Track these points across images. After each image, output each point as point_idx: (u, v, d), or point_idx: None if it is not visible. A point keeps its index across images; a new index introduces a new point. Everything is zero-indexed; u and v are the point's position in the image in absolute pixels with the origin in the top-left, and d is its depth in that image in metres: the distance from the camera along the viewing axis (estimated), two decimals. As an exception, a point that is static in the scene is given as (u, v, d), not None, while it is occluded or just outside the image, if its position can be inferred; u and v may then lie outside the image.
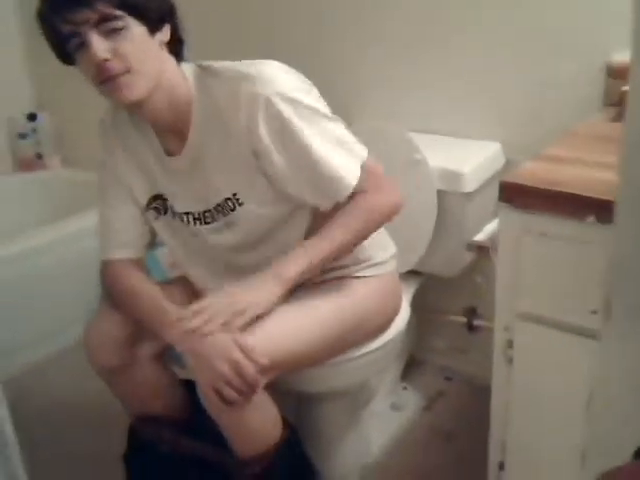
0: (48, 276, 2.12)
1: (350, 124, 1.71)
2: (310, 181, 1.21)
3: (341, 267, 1.34)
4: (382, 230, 1.40)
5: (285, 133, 1.17)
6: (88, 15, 1.10)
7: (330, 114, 1.23)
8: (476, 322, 1.83)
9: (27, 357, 2.05)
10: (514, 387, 1.25)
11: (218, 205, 1.27)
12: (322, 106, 1.22)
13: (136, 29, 1.14)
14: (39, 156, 2.66)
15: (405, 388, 1.92)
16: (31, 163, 2.66)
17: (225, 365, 1.11)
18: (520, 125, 1.64)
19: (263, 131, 1.16)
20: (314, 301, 1.29)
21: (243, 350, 1.12)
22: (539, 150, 1.25)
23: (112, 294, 1.35)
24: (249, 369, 1.11)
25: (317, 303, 1.29)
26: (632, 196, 0.54)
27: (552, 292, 1.13)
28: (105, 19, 1.11)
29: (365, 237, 1.28)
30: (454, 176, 1.57)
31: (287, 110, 1.15)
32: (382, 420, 1.79)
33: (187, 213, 1.31)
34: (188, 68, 1.24)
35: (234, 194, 1.24)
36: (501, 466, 1.32)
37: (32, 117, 2.60)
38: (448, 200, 1.60)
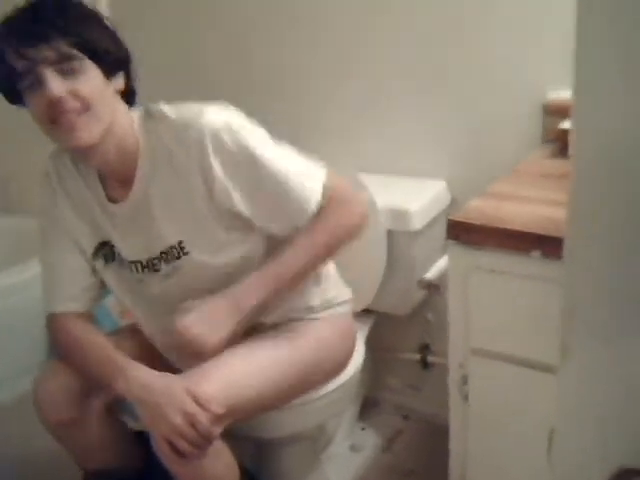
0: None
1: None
2: (273, 209, 1.21)
3: (296, 310, 1.33)
4: (335, 274, 1.41)
5: (240, 164, 1.16)
6: (46, 52, 1.08)
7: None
8: (430, 359, 1.84)
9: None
10: (471, 424, 1.25)
11: (162, 252, 1.24)
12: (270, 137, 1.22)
13: (93, 72, 1.13)
14: (-20, 204, 2.59)
15: (363, 429, 1.91)
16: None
17: (178, 416, 1.08)
18: (463, 163, 1.68)
19: (217, 168, 1.15)
20: (269, 345, 1.28)
21: (196, 400, 1.10)
22: (483, 187, 1.29)
23: (59, 348, 1.31)
24: (203, 421, 1.09)
25: (272, 347, 1.28)
26: (581, 232, 0.56)
27: (504, 327, 1.15)
28: (63, 59, 1.09)
29: (330, 254, 1.27)
30: (402, 215, 1.59)
31: (237, 141, 1.15)
32: (342, 462, 1.77)
33: (135, 262, 1.28)
34: (136, 113, 1.23)
35: (179, 242, 1.22)
36: (461, 504, 1.32)
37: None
38: (397, 239, 1.61)
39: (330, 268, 1.40)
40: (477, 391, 1.22)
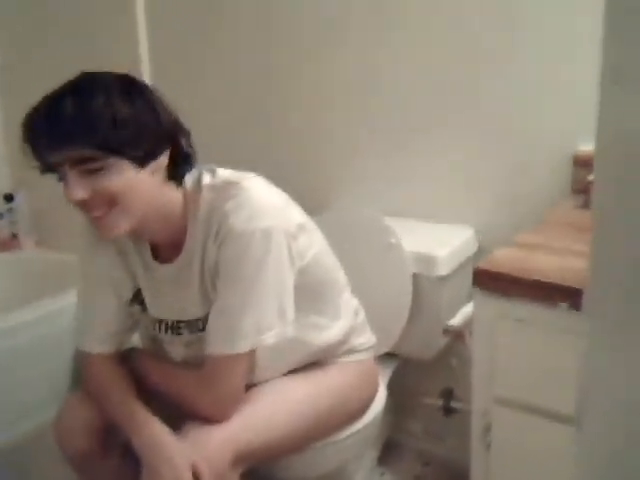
0: (19, 357, 2.07)
1: (325, 209, 1.77)
2: (213, 315, 1.18)
3: (319, 354, 1.33)
4: (363, 319, 1.41)
5: (223, 265, 1.16)
6: (67, 155, 1.07)
7: (287, 263, 1.17)
8: (453, 405, 1.82)
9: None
10: (493, 472, 1.24)
11: (188, 321, 1.26)
12: (284, 251, 1.16)
13: (121, 166, 1.09)
14: (14, 236, 2.65)
15: (383, 474, 1.88)
16: (6, 242, 2.64)
17: None
18: (491, 210, 1.69)
19: (220, 255, 1.16)
20: (290, 388, 1.28)
21: (197, 474, 1.10)
22: (510, 235, 1.29)
23: (85, 384, 1.33)
24: None
25: (293, 390, 1.28)
26: (600, 285, 0.56)
27: (529, 377, 1.14)
28: (85, 160, 1.07)
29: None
30: (429, 260, 1.60)
31: (238, 251, 1.13)
32: (360, 507, 1.75)
33: (160, 320, 1.30)
34: (189, 180, 1.22)
35: (206, 316, 1.21)
36: None
37: (9, 198, 2.61)
38: (423, 283, 1.62)
39: (359, 316, 1.41)
40: (500, 440, 1.21)
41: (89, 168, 1.07)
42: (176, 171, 1.18)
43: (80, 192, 1.08)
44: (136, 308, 1.32)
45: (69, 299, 1.38)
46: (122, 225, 1.13)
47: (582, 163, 1.48)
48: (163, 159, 1.14)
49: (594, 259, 0.56)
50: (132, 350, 1.37)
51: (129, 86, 1.12)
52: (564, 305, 1.05)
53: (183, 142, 1.18)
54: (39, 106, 1.09)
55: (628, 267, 0.54)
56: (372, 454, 1.85)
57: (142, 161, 1.11)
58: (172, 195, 1.19)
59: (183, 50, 2.07)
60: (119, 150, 1.07)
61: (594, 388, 0.57)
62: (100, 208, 1.11)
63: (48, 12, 2.27)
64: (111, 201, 1.10)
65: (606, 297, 0.56)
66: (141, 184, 1.12)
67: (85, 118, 1.05)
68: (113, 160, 1.07)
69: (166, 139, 1.14)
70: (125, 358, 1.33)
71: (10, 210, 2.61)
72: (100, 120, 1.05)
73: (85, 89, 1.08)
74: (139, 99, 1.11)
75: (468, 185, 1.71)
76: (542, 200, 1.56)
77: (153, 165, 1.13)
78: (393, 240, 1.62)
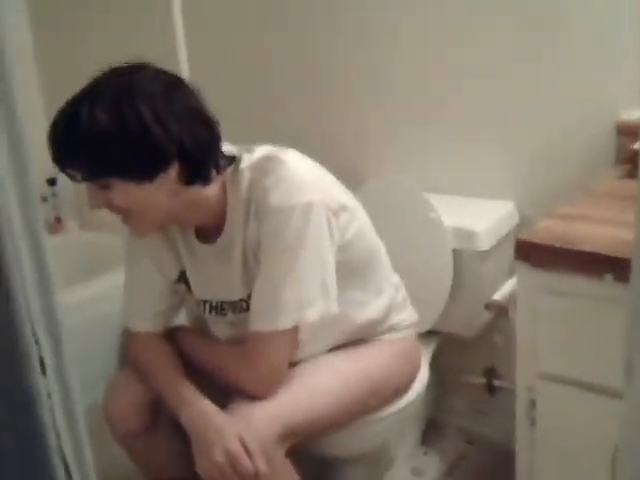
0: (68, 339, 2.12)
1: (365, 180, 1.76)
2: (256, 290, 1.18)
3: (361, 331, 1.33)
4: (404, 295, 1.41)
5: (264, 241, 1.16)
6: (71, 173, 1.13)
7: (327, 239, 1.17)
8: (496, 383, 1.80)
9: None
10: (538, 449, 1.22)
11: (232, 302, 1.27)
12: (324, 226, 1.16)
13: (122, 185, 1.11)
14: (58, 220, 2.70)
15: (426, 453, 1.88)
16: (50, 226, 2.70)
17: (222, 456, 1.10)
18: (532, 183, 1.65)
19: (261, 231, 1.16)
20: (334, 364, 1.28)
21: (244, 446, 1.11)
22: (552, 207, 1.26)
23: (133, 362, 1.35)
24: (246, 467, 1.10)
25: (336, 368, 1.28)
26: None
27: (573, 351, 1.12)
28: (90, 179, 1.12)
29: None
30: (469, 235, 1.57)
31: (277, 227, 1.14)
32: (403, 485, 1.75)
33: (204, 301, 1.31)
34: (229, 167, 1.22)
35: (249, 295, 1.22)
36: (527, 532, 1.28)
37: (52, 182, 2.65)
38: (464, 259, 1.60)
39: (400, 293, 1.40)
40: (545, 415, 1.19)
41: (97, 185, 1.12)
42: (192, 176, 1.15)
43: (96, 203, 1.14)
44: (181, 288, 1.34)
45: (115, 280, 1.40)
46: (146, 226, 1.19)
47: (626, 131, 1.44)
48: (171, 171, 1.12)
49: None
50: (178, 328, 1.38)
51: (130, 98, 1.08)
52: (609, 276, 1.02)
53: (194, 150, 1.12)
54: (55, 118, 1.11)
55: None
56: (415, 432, 1.84)
57: (144, 178, 1.10)
58: (201, 192, 1.18)
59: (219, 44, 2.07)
60: (110, 173, 1.10)
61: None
62: (120, 214, 1.16)
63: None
64: (123, 213, 1.16)
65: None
66: (151, 197, 1.13)
67: (72, 144, 1.09)
68: (116, 180, 1.10)
69: (168, 154, 1.10)
70: (171, 336, 1.35)
71: (54, 194, 2.66)
72: (87, 147, 1.08)
73: (79, 111, 1.07)
74: (135, 117, 1.07)
75: (508, 157, 1.67)
76: (585, 170, 1.52)
77: (162, 177, 1.11)
78: (432, 214, 1.59)
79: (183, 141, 1.10)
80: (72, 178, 1.13)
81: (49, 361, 0.52)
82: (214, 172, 1.17)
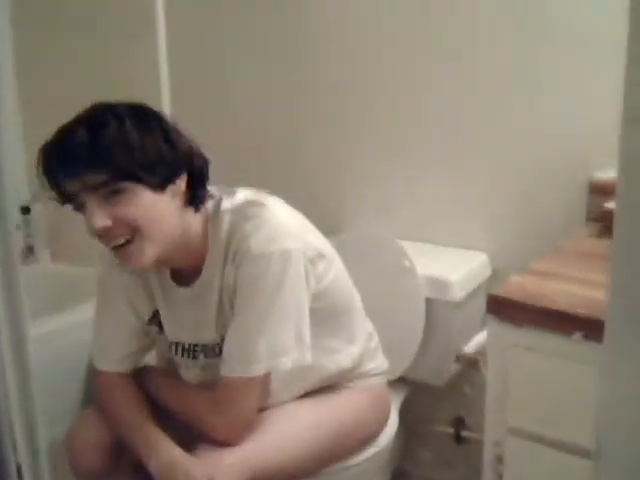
0: (33, 371, 2.08)
1: (340, 231, 1.77)
2: (235, 340, 1.17)
3: (332, 378, 1.32)
4: (376, 343, 1.41)
5: (243, 289, 1.16)
6: (78, 185, 1.08)
7: (304, 287, 1.17)
8: (464, 433, 1.80)
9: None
10: (504, 505, 1.21)
11: (204, 345, 1.26)
12: (302, 274, 1.16)
13: (139, 191, 1.09)
14: (30, 249, 2.66)
15: (392, 501, 1.86)
16: (22, 256, 2.66)
17: None
18: (505, 236, 1.67)
19: (238, 277, 1.16)
20: (302, 413, 1.28)
21: None
22: (524, 262, 1.28)
23: (99, 402, 1.33)
24: None
25: (305, 415, 1.27)
26: (622, 316, 0.55)
27: (543, 408, 1.12)
28: (101, 186, 1.08)
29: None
30: (443, 284, 1.58)
31: (257, 274, 1.13)
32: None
33: (176, 343, 1.30)
34: (209, 204, 1.21)
35: (222, 339, 1.21)
36: None
37: (26, 210, 2.62)
38: (436, 308, 1.61)
39: (373, 340, 1.40)
40: (512, 471, 1.18)
41: (107, 192, 1.08)
42: (194, 195, 1.18)
43: (102, 219, 1.08)
44: (153, 329, 1.32)
45: (84, 314, 1.38)
46: (147, 252, 1.12)
47: (598, 191, 1.47)
48: (181, 184, 1.14)
49: (613, 289, 0.55)
50: (146, 368, 1.36)
51: (142, 114, 1.13)
52: (579, 335, 1.03)
53: (199, 167, 1.18)
54: (54, 137, 1.11)
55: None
56: (382, 480, 1.83)
57: (159, 186, 1.11)
58: (192, 221, 1.19)
59: (203, 72, 2.09)
60: (134, 175, 1.08)
61: (614, 419, 0.56)
62: (123, 236, 1.11)
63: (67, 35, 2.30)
64: (133, 227, 1.10)
65: (628, 328, 0.55)
66: (161, 208, 1.12)
67: (98, 144, 1.07)
68: (130, 185, 1.08)
69: (182, 164, 1.14)
70: (139, 376, 1.33)
71: (27, 222, 2.63)
72: (113, 146, 1.07)
73: (98, 118, 1.10)
74: (152, 126, 1.12)
75: (482, 210, 1.70)
76: (556, 227, 1.55)
77: (172, 189, 1.13)
78: (407, 263, 1.61)
79: (193, 154, 1.16)
80: (75, 194, 1.09)
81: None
82: (203, 201, 1.20)
